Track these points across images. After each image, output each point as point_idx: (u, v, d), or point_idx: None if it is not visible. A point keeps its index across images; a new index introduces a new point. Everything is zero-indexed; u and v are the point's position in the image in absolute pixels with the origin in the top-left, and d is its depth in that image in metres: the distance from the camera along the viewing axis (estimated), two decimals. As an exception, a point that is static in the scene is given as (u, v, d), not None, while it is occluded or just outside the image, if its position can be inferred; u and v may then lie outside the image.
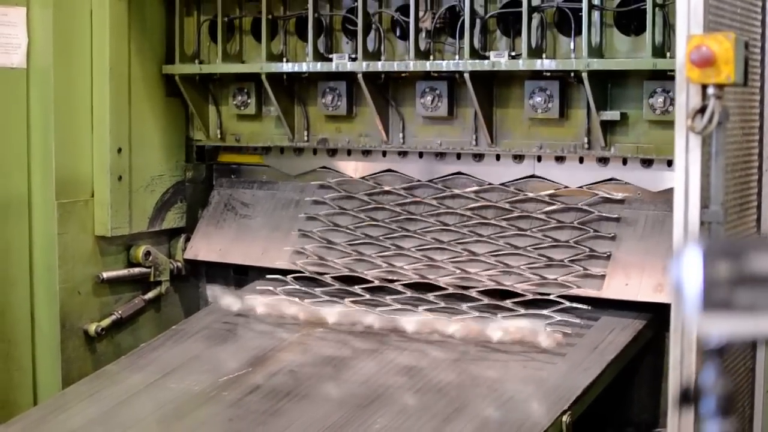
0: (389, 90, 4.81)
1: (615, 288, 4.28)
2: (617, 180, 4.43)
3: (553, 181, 4.55)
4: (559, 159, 4.53)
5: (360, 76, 4.62)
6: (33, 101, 4.64)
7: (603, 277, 4.29)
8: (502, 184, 4.62)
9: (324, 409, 3.90)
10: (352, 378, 4.10)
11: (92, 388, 4.27)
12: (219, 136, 5.19)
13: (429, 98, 4.65)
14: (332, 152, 5.02)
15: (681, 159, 2.81)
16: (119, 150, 4.85)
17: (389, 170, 4.91)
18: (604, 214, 4.39)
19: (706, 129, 2.70)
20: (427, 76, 4.65)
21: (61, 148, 4.69)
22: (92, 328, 4.81)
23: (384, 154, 4.90)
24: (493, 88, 4.58)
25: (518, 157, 4.61)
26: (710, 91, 2.69)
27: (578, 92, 4.40)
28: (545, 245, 4.44)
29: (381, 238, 4.75)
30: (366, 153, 4.94)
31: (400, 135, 4.79)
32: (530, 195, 4.55)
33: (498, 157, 4.65)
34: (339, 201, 4.92)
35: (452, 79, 4.62)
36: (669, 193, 4.19)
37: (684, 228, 2.83)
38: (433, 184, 4.76)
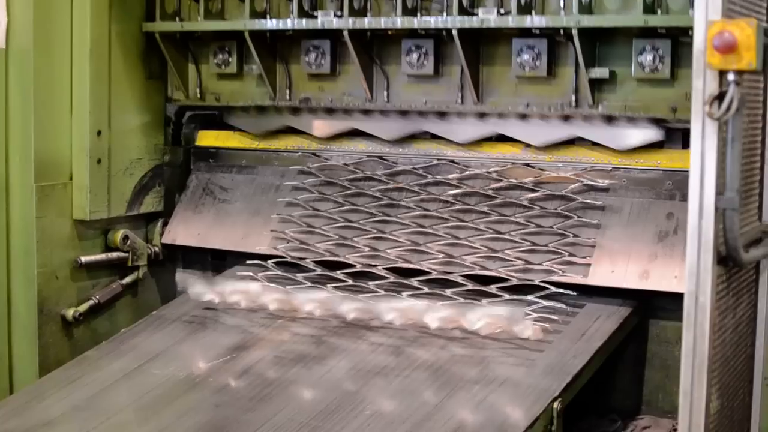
0: (374, 48, 4.77)
1: (601, 275, 4.28)
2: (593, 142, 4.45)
3: (525, 142, 4.57)
4: (545, 117, 4.51)
5: (346, 33, 4.57)
6: (12, 83, 4.57)
7: (588, 264, 4.29)
8: (487, 172, 4.60)
9: (312, 395, 3.87)
10: (338, 364, 4.07)
11: (73, 374, 4.21)
12: (199, 96, 5.14)
13: (415, 56, 4.62)
14: (312, 111, 4.98)
15: (697, 145, 2.80)
16: (98, 133, 4.79)
17: (363, 133, 4.89)
18: (588, 201, 4.39)
19: (724, 115, 2.69)
20: (413, 33, 4.62)
21: (40, 131, 4.62)
22: (70, 313, 4.75)
23: (366, 112, 4.86)
24: (480, 47, 4.54)
25: (502, 115, 4.59)
26: (730, 77, 2.68)
27: (566, 50, 4.39)
28: (530, 231, 4.43)
29: (363, 222, 4.72)
30: (347, 112, 4.90)
31: (385, 93, 4.76)
32: (514, 182, 4.54)
33: (481, 116, 4.62)
34: (320, 187, 4.88)
35: (438, 37, 4.59)
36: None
37: (699, 214, 2.82)
38: (415, 170, 4.74)
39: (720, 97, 2.73)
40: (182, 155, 5.23)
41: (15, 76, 4.57)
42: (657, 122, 4.30)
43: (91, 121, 4.76)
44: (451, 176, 4.66)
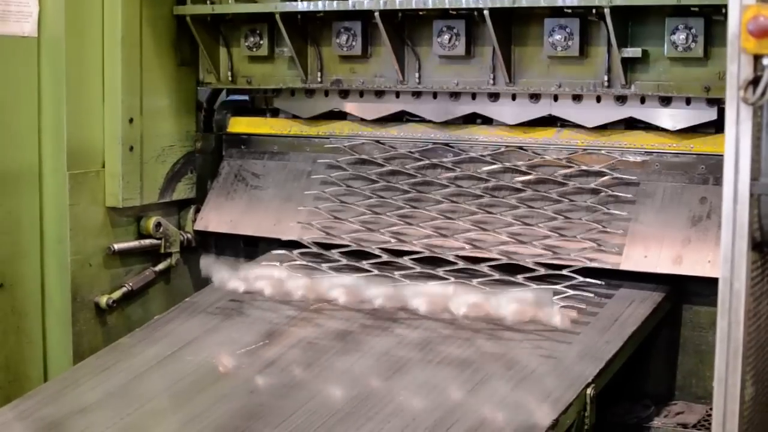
0: (405, 29, 4.76)
1: (634, 260, 4.26)
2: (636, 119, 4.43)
3: (568, 120, 4.56)
4: (576, 98, 4.51)
5: (377, 14, 4.57)
6: (44, 71, 4.59)
7: (620, 251, 4.28)
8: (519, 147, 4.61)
9: (344, 381, 3.87)
10: (369, 351, 4.07)
11: (107, 361, 4.23)
12: (230, 79, 5.14)
13: (446, 37, 4.61)
14: (344, 93, 4.98)
15: (731, 130, 2.77)
16: (131, 120, 4.81)
17: (403, 111, 4.89)
18: (621, 186, 4.38)
19: (759, 100, 2.67)
20: (444, 14, 4.60)
21: (73, 119, 4.64)
22: (103, 300, 4.77)
23: (397, 95, 4.86)
24: (511, 27, 4.53)
25: (534, 96, 4.58)
26: (765, 62, 2.66)
27: (598, 29, 4.37)
28: (563, 213, 4.44)
29: (393, 210, 4.72)
30: (379, 94, 4.91)
31: (416, 75, 4.75)
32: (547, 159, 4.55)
33: (514, 97, 4.62)
34: (351, 172, 4.89)
35: (470, 18, 4.57)
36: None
37: (733, 200, 2.80)
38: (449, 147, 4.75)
39: (755, 81, 2.71)
40: (214, 142, 5.24)
41: (47, 65, 4.58)
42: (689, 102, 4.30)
43: (123, 109, 4.78)
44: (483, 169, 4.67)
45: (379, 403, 3.69)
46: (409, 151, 4.82)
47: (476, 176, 4.65)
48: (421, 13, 4.65)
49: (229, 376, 4.01)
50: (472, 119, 4.78)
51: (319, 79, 4.96)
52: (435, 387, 3.77)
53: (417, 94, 4.83)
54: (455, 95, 4.75)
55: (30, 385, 4.52)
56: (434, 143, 4.79)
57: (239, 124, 5.25)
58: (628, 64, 4.31)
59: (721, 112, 4.20)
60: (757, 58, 2.71)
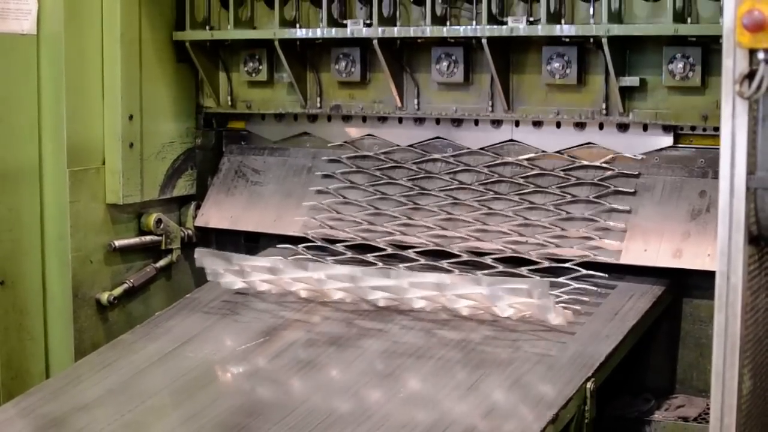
0: (404, 56, 4.77)
1: (633, 254, 4.27)
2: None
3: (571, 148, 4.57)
4: (578, 125, 4.51)
5: (375, 42, 4.57)
6: (43, 68, 4.59)
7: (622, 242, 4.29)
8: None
9: (347, 376, 3.88)
10: (372, 347, 4.07)
11: (108, 358, 4.24)
12: (230, 104, 5.15)
13: (445, 64, 4.62)
14: (347, 119, 4.99)
15: (727, 124, 2.78)
16: (130, 117, 4.81)
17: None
18: (623, 172, 4.41)
19: (755, 94, 2.67)
20: (442, 41, 4.61)
21: (72, 116, 4.64)
22: (104, 297, 4.78)
23: (400, 121, 4.86)
24: (509, 54, 4.54)
25: (537, 124, 4.58)
26: (760, 56, 2.66)
27: (596, 58, 4.37)
28: (563, 205, 4.45)
29: (395, 205, 4.73)
30: (382, 120, 4.91)
31: (415, 101, 4.76)
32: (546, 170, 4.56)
33: (517, 123, 4.63)
34: (351, 174, 4.92)
35: (468, 45, 4.58)
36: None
37: (730, 194, 2.81)
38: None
39: (750, 76, 2.72)
40: (214, 138, 5.24)
41: (46, 62, 4.59)
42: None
43: (123, 106, 4.78)
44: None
45: (379, 401, 3.70)
46: (410, 145, 4.83)
47: (477, 170, 4.66)
48: (419, 40, 4.67)
49: (229, 372, 4.02)
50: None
51: (318, 105, 4.97)
52: (436, 383, 3.77)
53: (420, 120, 4.84)
54: (457, 122, 4.76)
55: (31, 381, 4.53)
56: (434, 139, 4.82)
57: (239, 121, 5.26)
58: (626, 92, 4.32)
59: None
60: (752, 53, 2.71)
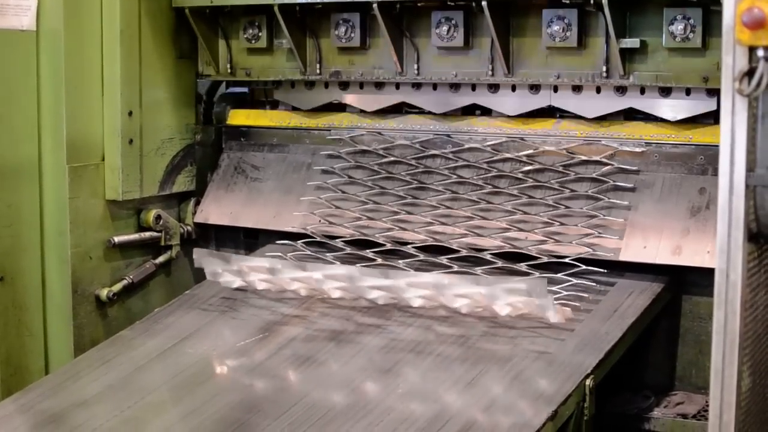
0: (403, 21, 4.76)
1: (633, 251, 4.27)
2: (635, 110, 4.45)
3: (567, 111, 4.58)
4: (576, 89, 4.52)
5: (375, 6, 4.57)
6: (43, 64, 4.59)
7: (620, 239, 4.28)
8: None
9: (346, 372, 3.88)
10: (371, 343, 4.07)
11: (108, 354, 4.23)
12: (229, 71, 5.15)
13: (445, 28, 4.61)
14: (344, 85, 4.99)
15: (727, 122, 2.78)
16: (130, 113, 4.81)
17: (403, 103, 4.91)
18: (620, 175, 4.40)
19: (754, 92, 2.67)
20: (442, 5, 4.60)
21: (72, 112, 4.64)
22: (104, 293, 4.78)
23: (397, 86, 4.87)
24: (509, 18, 4.54)
25: (534, 87, 4.59)
26: (760, 53, 2.66)
27: (596, 20, 4.37)
28: (562, 202, 4.45)
29: (394, 200, 4.73)
30: (379, 85, 4.91)
31: (415, 66, 4.76)
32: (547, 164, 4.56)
33: (513, 88, 4.63)
34: (351, 161, 4.91)
35: (468, 9, 4.57)
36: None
37: (729, 192, 2.81)
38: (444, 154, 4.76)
39: (750, 73, 2.72)
40: (214, 134, 5.24)
41: (46, 58, 4.59)
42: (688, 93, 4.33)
43: (123, 102, 4.78)
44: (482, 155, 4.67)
45: (378, 396, 3.70)
46: (410, 143, 4.82)
47: (476, 166, 4.66)
48: (419, 4, 4.65)
49: (229, 368, 4.02)
50: (471, 110, 4.79)
51: (318, 71, 4.96)
52: (435, 379, 3.77)
53: (417, 86, 4.83)
54: (455, 86, 4.76)
55: (31, 378, 4.53)
56: (435, 134, 4.80)
57: (239, 117, 5.26)
58: (627, 54, 4.32)
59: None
60: (751, 50, 2.71)
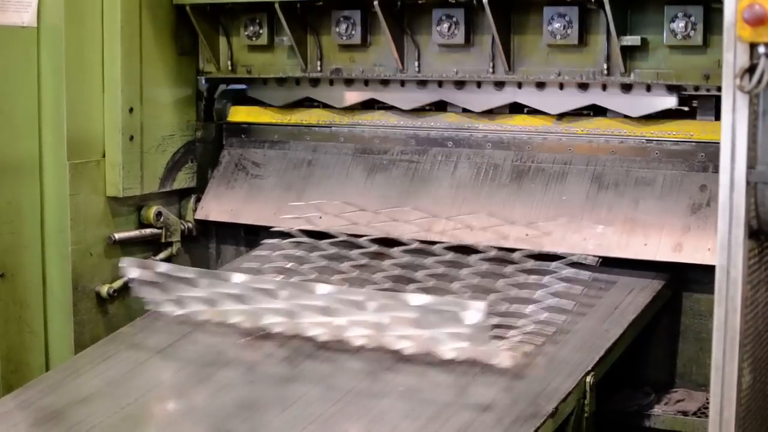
0: (404, 18, 4.77)
1: (634, 248, 4.27)
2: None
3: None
4: (581, 86, 4.51)
5: (376, 4, 4.57)
6: (44, 61, 4.59)
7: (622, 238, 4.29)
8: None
9: (346, 369, 3.89)
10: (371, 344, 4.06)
11: (108, 350, 4.23)
12: (230, 68, 5.15)
13: (445, 26, 4.62)
14: (349, 83, 5.00)
15: (728, 118, 2.78)
16: (131, 110, 4.81)
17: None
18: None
19: (755, 89, 2.68)
20: (443, 3, 4.60)
21: (73, 109, 4.64)
22: (104, 289, 4.78)
23: (402, 83, 4.87)
24: (510, 15, 4.54)
25: (540, 85, 4.59)
26: (761, 50, 2.66)
27: (597, 18, 4.37)
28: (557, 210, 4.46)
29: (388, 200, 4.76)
30: (384, 83, 4.92)
31: (416, 64, 4.76)
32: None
33: (520, 85, 4.63)
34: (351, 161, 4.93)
35: (469, 6, 4.57)
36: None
37: (730, 189, 2.81)
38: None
39: (751, 70, 2.72)
40: (214, 131, 5.24)
41: (47, 55, 4.58)
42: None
43: (123, 98, 4.77)
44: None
45: (382, 390, 3.70)
46: (408, 140, 4.83)
47: (475, 165, 4.66)
48: (420, 1, 4.66)
49: (229, 365, 4.01)
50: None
51: (318, 68, 4.96)
52: (434, 376, 3.77)
53: (422, 83, 4.83)
54: (459, 83, 4.75)
55: (31, 374, 4.52)
56: (436, 130, 4.82)
57: (239, 113, 5.25)
58: (628, 52, 4.32)
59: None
60: (752, 47, 2.72)
